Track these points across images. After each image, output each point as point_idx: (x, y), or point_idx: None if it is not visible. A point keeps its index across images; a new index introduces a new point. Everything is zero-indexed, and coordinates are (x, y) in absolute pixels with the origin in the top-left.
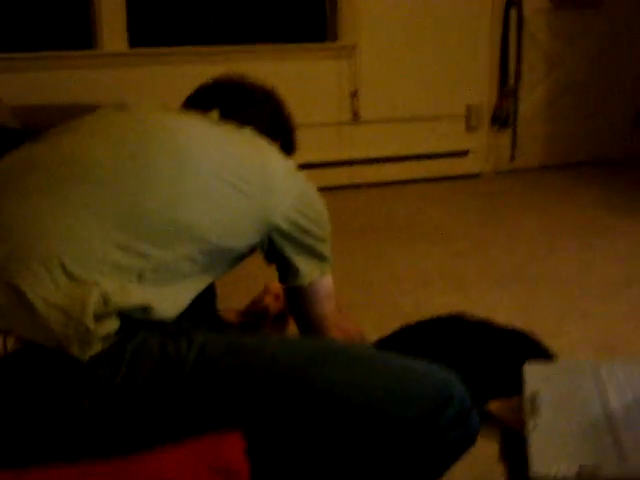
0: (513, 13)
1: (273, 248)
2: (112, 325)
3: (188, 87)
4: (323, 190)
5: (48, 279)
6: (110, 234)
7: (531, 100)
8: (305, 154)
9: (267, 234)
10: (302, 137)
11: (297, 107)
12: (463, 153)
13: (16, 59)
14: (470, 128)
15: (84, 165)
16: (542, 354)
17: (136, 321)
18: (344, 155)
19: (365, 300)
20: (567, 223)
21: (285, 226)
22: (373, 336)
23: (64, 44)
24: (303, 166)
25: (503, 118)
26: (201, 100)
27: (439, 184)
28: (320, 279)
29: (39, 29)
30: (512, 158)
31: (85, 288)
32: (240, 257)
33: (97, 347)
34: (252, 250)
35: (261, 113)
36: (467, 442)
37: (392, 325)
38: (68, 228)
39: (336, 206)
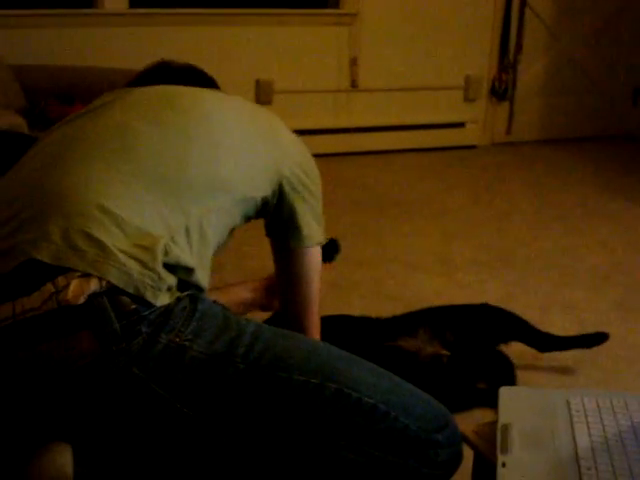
0: None
1: (282, 202)
2: (173, 279)
3: (187, 48)
4: (319, 156)
5: (119, 232)
6: (158, 194)
7: (530, 74)
8: (302, 120)
9: (277, 185)
10: (300, 103)
11: (296, 73)
12: (460, 124)
13: (16, 16)
14: (468, 100)
15: (129, 135)
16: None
17: (183, 282)
18: (341, 123)
19: (351, 280)
20: (558, 203)
21: (293, 178)
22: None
23: (65, 2)
24: (300, 132)
25: (501, 91)
26: (160, 79)
27: (435, 154)
28: (317, 248)
29: None
30: (509, 131)
31: (151, 239)
32: (252, 213)
33: (165, 297)
34: (261, 209)
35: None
36: (453, 465)
37: (378, 308)
38: (125, 188)
39: (331, 175)
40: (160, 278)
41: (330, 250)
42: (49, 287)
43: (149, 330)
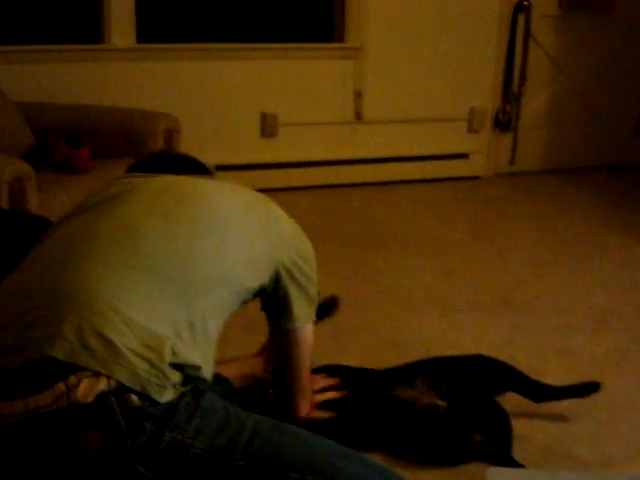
0: (521, 18)
1: (278, 287)
2: (178, 376)
3: (194, 82)
4: (324, 188)
5: (129, 331)
6: (165, 292)
7: (534, 105)
8: (307, 152)
9: (275, 272)
10: (305, 135)
11: (302, 105)
12: (464, 155)
13: (23, 52)
14: (472, 131)
15: (138, 234)
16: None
17: (188, 377)
18: (346, 154)
19: (350, 323)
20: (559, 239)
21: (291, 266)
22: (358, 363)
23: (73, 38)
24: (305, 164)
25: (505, 122)
26: (161, 168)
27: (439, 185)
28: (307, 325)
29: (49, 23)
30: (512, 162)
31: (157, 340)
32: (250, 298)
33: (170, 394)
34: (258, 292)
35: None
36: None
37: (376, 354)
38: (134, 288)
39: (333, 207)
40: (166, 377)
41: (329, 306)
42: (61, 386)
43: (153, 427)
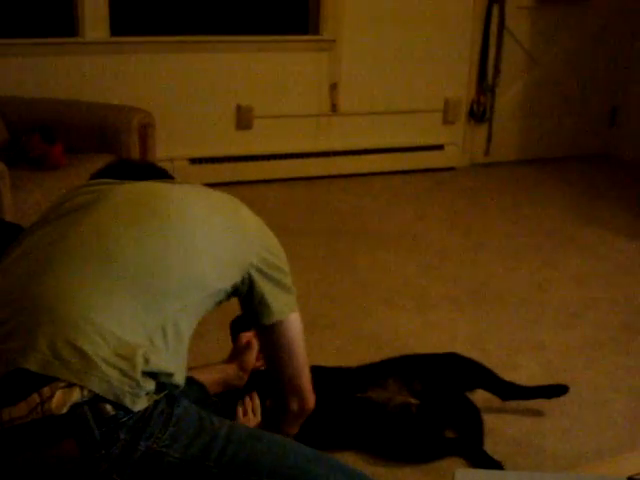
0: (495, 9)
1: (252, 288)
2: (151, 384)
3: (168, 76)
4: (300, 180)
5: (102, 341)
6: (137, 300)
7: (508, 96)
8: (283, 144)
9: (247, 273)
10: (280, 127)
11: (276, 98)
12: (439, 147)
13: None
14: (447, 122)
15: (110, 243)
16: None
17: (161, 384)
18: (321, 146)
19: (327, 318)
20: (533, 231)
21: (261, 263)
22: (334, 361)
23: (47, 32)
24: (280, 156)
25: (480, 113)
26: (122, 176)
27: (415, 177)
28: (290, 316)
29: (22, 16)
30: (487, 152)
31: (130, 349)
32: (223, 298)
33: (143, 402)
34: (232, 292)
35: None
36: None
37: (353, 350)
38: (106, 297)
39: (309, 200)
40: (139, 385)
41: None
42: (35, 397)
43: (127, 437)
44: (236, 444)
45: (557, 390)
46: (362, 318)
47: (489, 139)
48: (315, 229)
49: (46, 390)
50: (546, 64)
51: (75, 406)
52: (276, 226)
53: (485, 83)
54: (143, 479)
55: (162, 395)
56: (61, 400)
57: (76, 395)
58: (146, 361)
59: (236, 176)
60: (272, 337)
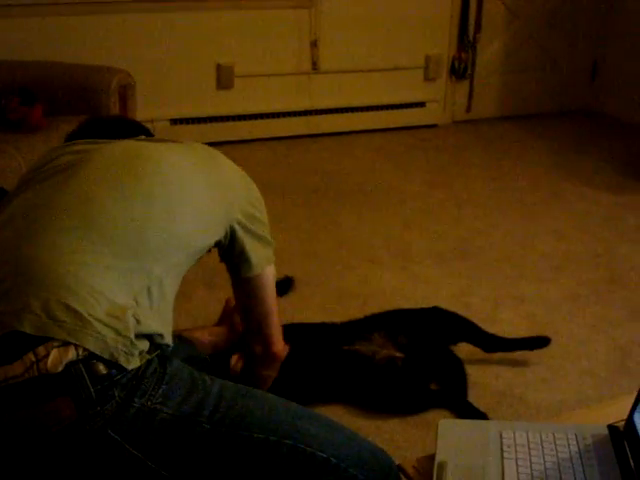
0: None
1: (234, 241)
2: (145, 344)
3: (147, 36)
4: (281, 139)
5: (94, 301)
6: (124, 260)
7: (489, 52)
8: (264, 103)
9: (229, 227)
10: (261, 86)
11: (257, 57)
12: (421, 104)
13: None
14: (428, 79)
15: (95, 204)
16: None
17: (153, 344)
18: (303, 105)
19: (311, 275)
20: (515, 186)
21: (243, 218)
22: (319, 318)
23: None
24: (262, 115)
25: (461, 70)
26: (96, 134)
27: (397, 134)
28: (268, 268)
29: None
30: (469, 109)
31: (120, 309)
32: (204, 253)
33: (136, 361)
34: (213, 245)
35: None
36: None
37: (337, 307)
38: (95, 258)
39: (291, 159)
40: (132, 344)
41: (284, 286)
42: (30, 356)
43: (122, 394)
44: (227, 401)
45: (539, 342)
46: (346, 275)
47: (470, 96)
48: (298, 188)
49: (41, 349)
50: (527, 19)
51: (70, 364)
52: (259, 185)
53: (466, 39)
54: (138, 435)
55: (154, 355)
56: (57, 359)
57: (71, 354)
58: (137, 322)
59: (218, 136)
60: (247, 287)
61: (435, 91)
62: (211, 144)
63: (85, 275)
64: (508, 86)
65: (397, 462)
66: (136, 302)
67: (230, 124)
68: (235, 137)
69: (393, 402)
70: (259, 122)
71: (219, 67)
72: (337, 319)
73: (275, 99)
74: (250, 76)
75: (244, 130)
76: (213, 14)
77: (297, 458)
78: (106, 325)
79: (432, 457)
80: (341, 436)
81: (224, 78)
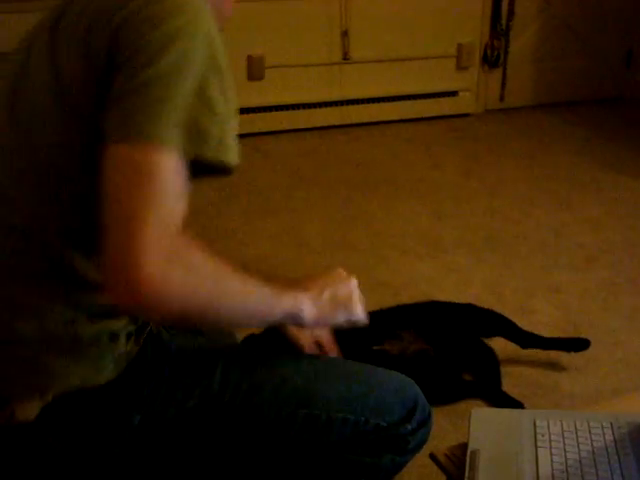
0: None
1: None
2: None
3: None
4: (312, 130)
5: None
6: None
7: (522, 40)
8: (295, 94)
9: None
10: (292, 77)
11: (288, 47)
12: (453, 93)
13: None
14: (460, 68)
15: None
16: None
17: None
18: (334, 95)
19: (342, 266)
20: (549, 175)
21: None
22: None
23: None
24: (293, 106)
25: (494, 58)
26: None
27: (429, 124)
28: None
29: None
30: (502, 98)
31: None
32: None
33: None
34: None
35: None
36: (423, 443)
37: (368, 296)
38: None
39: (323, 150)
40: None
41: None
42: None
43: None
44: (232, 388)
45: (578, 344)
46: (377, 266)
47: (503, 84)
48: (327, 179)
49: None
50: (560, 6)
51: None
52: (290, 177)
53: (499, 27)
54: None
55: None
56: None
57: None
58: None
59: (249, 128)
60: (112, 162)
61: (467, 80)
62: (241, 136)
63: None
64: (541, 74)
65: (430, 452)
66: None
67: (261, 115)
68: (265, 128)
69: (426, 392)
70: (290, 113)
71: (250, 58)
72: (369, 309)
73: (306, 90)
74: (281, 67)
75: (275, 121)
76: (243, 5)
77: (314, 425)
78: None
79: (464, 446)
80: (359, 386)
81: (255, 69)
